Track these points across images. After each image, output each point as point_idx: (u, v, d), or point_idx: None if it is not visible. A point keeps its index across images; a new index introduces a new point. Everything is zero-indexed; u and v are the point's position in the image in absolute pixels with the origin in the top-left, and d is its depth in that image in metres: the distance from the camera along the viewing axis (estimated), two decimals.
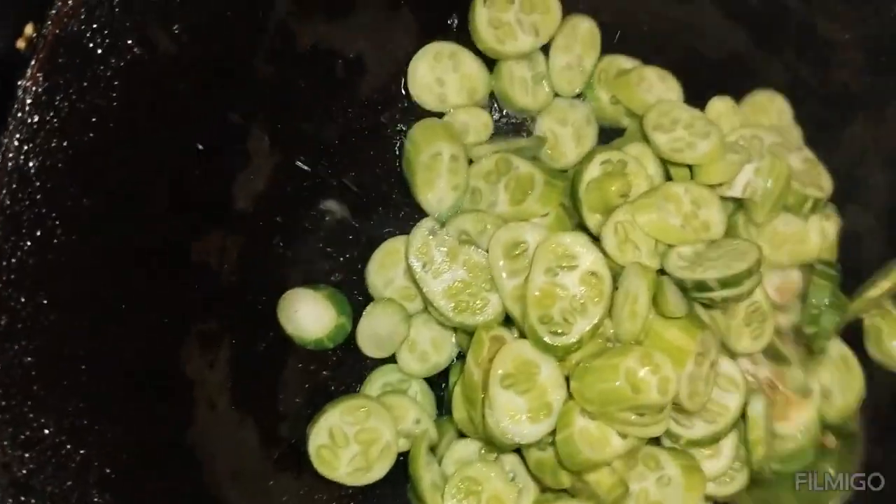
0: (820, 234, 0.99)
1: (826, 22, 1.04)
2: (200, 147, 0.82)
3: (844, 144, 1.07)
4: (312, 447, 0.87)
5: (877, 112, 1.07)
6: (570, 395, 0.85)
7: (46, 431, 0.71)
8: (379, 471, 0.90)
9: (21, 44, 0.70)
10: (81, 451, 0.73)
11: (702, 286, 0.87)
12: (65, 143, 0.71)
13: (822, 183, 0.99)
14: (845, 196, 1.05)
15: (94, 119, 0.73)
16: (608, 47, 1.04)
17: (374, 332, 0.93)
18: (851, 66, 1.06)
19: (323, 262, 0.96)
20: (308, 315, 0.92)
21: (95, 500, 0.74)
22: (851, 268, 1.04)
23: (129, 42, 0.74)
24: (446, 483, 0.90)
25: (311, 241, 0.95)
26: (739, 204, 1.00)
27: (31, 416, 0.70)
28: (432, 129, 0.97)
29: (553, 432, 0.85)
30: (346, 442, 0.89)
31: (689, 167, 0.97)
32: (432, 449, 0.94)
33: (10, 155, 0.69)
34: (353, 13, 0.93)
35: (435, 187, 0.96)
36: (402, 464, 0.93)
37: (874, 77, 1.06)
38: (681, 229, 0.90)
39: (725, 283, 0.86)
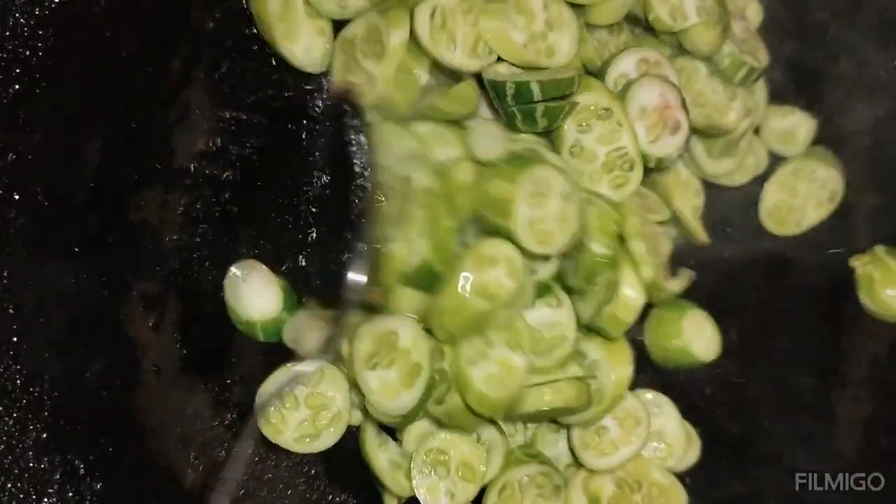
0: (741, 112, 0.98)
1: None
2: (135, 98, 0.80)
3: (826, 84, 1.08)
4: (259, 408, 0.84)
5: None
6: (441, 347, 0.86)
7: None
8: (327, 439, 0.88)
9: None
10: (17, 414, 0.71)
11: (522, 93, 0.83)
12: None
13: (759, 55, 0.98)
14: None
15: (17, 70, 0.71)
16: None
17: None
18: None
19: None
20: (254, 292, 0.88)
21: (36, 466, 0.72)
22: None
23: None
24: (411, 460, 0.88)
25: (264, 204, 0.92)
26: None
27: None
28: None
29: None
30: (296, 405, 0.87)
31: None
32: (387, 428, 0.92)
33: None
34: None
35: (297, 36, 0.91)
36: None
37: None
38: (521, 48, 0.85)
39: (546, 90, 0.83)
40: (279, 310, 0.88)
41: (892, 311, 1.05)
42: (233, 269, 0.88)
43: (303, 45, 0.90)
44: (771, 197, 1.08)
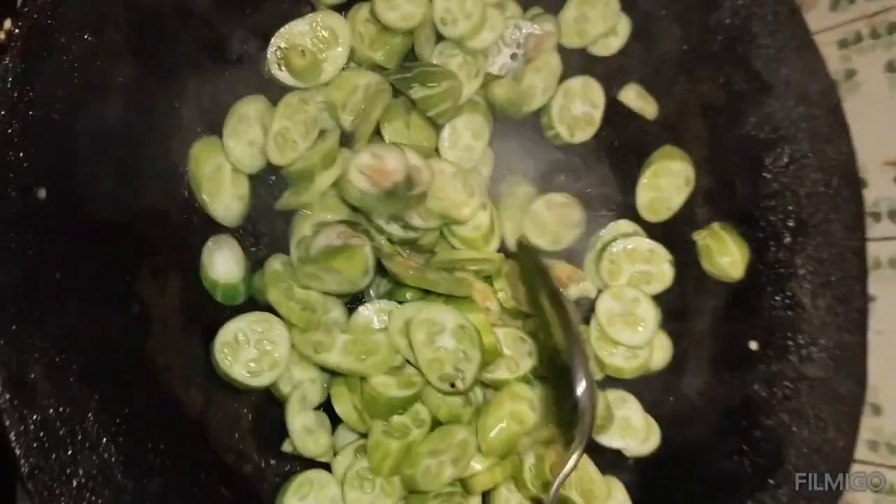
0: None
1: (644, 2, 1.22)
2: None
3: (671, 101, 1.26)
4: (217, 343, 0.99)
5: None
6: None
7: (34, 341, 0.87)
8: (267, 379, 1.01)
9: (1, 35, 0.89)
10: (63, 356, 0.89)
11: None
12: (36, 113, 0.89)
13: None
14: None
15: (60, 92, 0.91)
16: None
17: None
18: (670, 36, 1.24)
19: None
20: (222, 259, 1.03)
21: (75, 391, 0.89)
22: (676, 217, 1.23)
23: (84, 33, 0.92)
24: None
25: None
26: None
27: (21, 328, 0.87)
28: (211, 146, 1.05)
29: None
30: (247, 344, 1.00)
31: None
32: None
33: None
34: None
35: (220, 198, 1.04)
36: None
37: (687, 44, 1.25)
38: None
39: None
40: (238, 279, 1.04)
41: (726, 273, 1.21)
42: (211, 239, 1.03)
43: (224, 204, 1.05)
44: (643, 196, 1.23)
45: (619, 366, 1.18)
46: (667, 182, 1.23)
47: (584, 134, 1.22)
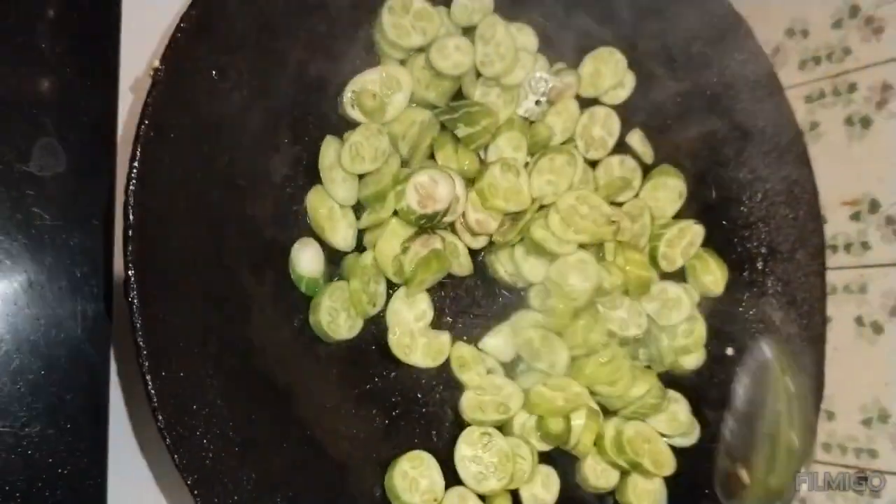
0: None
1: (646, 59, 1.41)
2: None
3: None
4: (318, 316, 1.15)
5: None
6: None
7: (172, 319, 0.97)
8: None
9: (150, 73, 1.01)
10: (192, 335, 1.00)
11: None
12: (173, 147, 0.98)
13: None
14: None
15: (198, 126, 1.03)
16: None
17: None
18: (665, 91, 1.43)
19: None
20: (307, 256, 1.16)
21: (199, 368, 0.99)
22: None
23: (213, 73, 1.03)
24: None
25: None
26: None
27: (160, 305, 0.96)
28: (318, 193, 1.20)
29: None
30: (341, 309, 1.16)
31: None
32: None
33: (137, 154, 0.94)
34: None
35: (337, 231, 1.20)
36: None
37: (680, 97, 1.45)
38: None
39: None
40: (319, 275, 1.17)
41: (708, 289, 1.37)
42: (299, 241, 1.17)
43: (341, 236, 1.20)
44: None
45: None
46: (663, 195, 1.40)
47: (596, 154, 1.42)
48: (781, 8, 1.66)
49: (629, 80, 1.42)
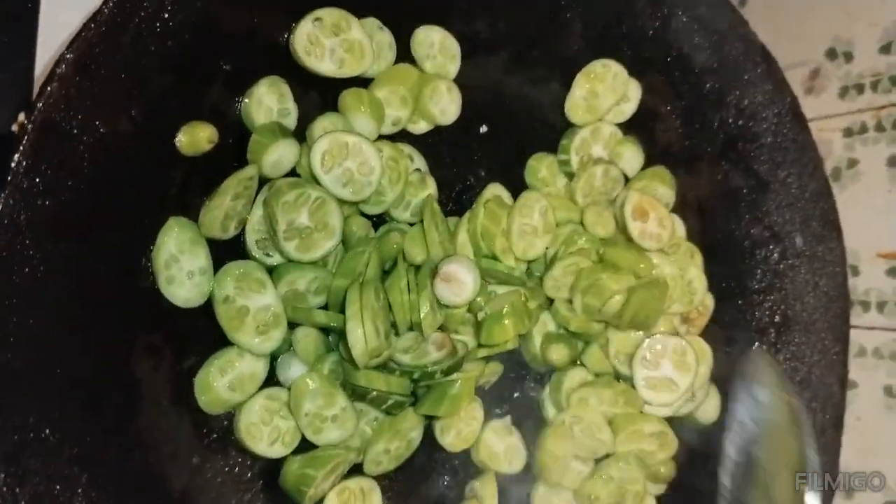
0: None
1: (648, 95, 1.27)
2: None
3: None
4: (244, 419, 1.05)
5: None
6: None
7: (30, 419, 0.90)
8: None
9: (15, 128, 0.90)
10: (56, 435, 0.91)
11: None
12: (47, 202, 0.91)
13: None
14: None
15: (69, 182, 0.93)
16: None
17: None
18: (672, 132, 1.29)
19: None
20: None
21: (66, 472, 0.92)
22: None
23: (97, 123, 0.94)
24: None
25: None
26: None
27: (17, 405, 0.90)
28: None
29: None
30: (271, 420, 1.07)
31: None
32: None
33: (6, 212, 0.88)
34: None
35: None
36: None
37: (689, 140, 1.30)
38: None
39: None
40: None
41: None
42: None
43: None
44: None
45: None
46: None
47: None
48: (823, 23, 1.47)
49: (634, 90, 1.27)
